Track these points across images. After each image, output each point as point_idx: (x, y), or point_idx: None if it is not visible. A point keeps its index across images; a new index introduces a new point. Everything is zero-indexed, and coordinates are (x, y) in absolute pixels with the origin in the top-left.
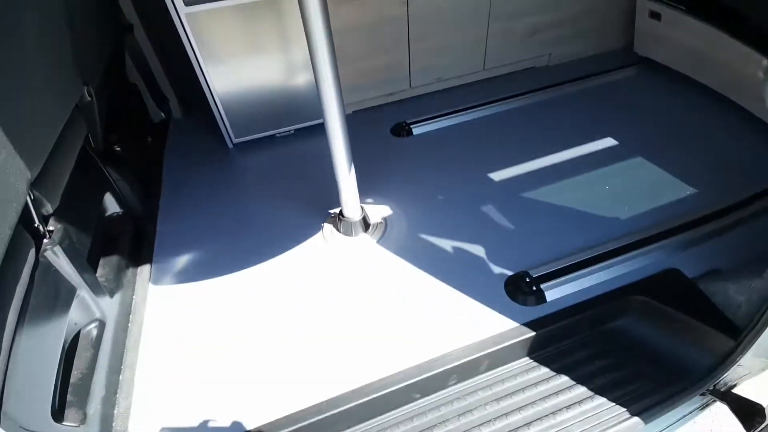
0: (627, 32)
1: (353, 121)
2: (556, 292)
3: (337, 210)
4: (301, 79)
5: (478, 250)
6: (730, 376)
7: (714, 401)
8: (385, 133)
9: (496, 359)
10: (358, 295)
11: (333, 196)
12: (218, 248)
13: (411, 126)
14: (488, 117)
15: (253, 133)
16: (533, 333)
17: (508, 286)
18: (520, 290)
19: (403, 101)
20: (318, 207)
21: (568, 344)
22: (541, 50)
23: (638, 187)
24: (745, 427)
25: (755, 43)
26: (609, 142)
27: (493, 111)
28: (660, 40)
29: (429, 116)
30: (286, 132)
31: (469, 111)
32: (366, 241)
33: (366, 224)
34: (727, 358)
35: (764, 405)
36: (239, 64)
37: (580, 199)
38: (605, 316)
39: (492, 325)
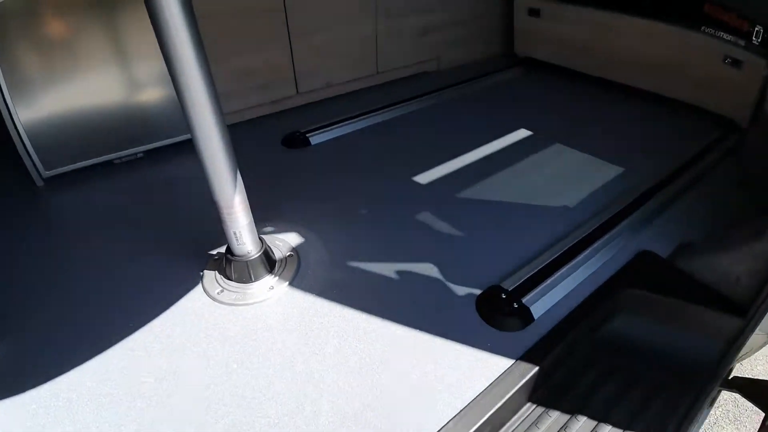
0: (508, 36)
1: (232, 135)
2: (540, 305)
3: (222, 249)
4: (151, 89)
5: (429, 269)
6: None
7: (719, 391)
8: (276, 145)
9: (494, 424)
10: (272, 373)
11: (212, 232)
12: (33, 329)
13: (307, 135)
14: (391, 121)
15: (78, 160)
16: (535, 368)
17: (481, 308)
18: (499, 311)
19: (292, 110)
20: (190, 249)
21: (571, 368)
22: (431, 53)
23: (569, 173)
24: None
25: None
26: (522, 133)
27: (394, 114)
28: (540, 37)
29: (326, 123)
30: (130, 156)
31: (369, 115)
32: (273, 285)
33: (269, 261)
34: (737, 340)
35: None
36: (54, 77)
37: (518, 193)
38: (598, 320)
39: (476, 374)
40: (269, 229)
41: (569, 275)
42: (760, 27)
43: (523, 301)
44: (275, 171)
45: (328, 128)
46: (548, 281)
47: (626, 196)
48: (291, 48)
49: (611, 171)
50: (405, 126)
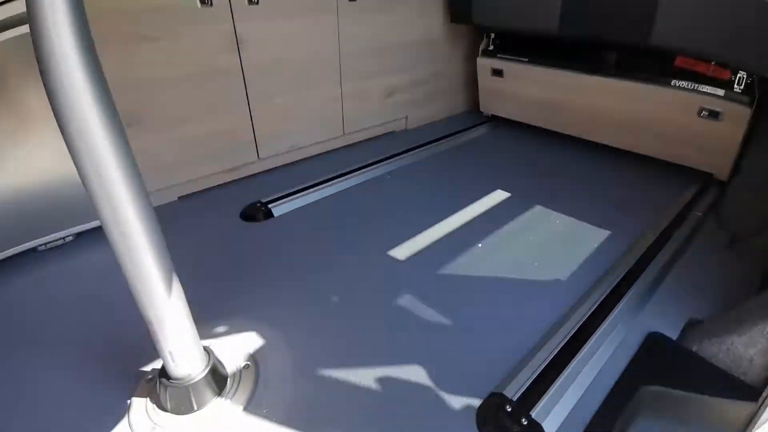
0: (474, 94)
1: (182, 210)
2: (553, 420)
3: (158, 363)
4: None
5: (415, 373)
6: None
7: None
8: (233, 218)
9: None
10: None
11: (148, 341)
12: None
13: (269, 205)
14: (360, 185)
15: None
16: None
17: (484, 426)
18: (508, 430)
19: (253, 177)
20: (119, 363)
21: None
22: (398, 113)
23: (555, 239)
24: None
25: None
26: (499, 195)
27: (364, 178)
28: (504, 96)
29: (291, 191)
30: (56, 241)
31: (336, 181)
32: (222, 413)
33: (218, 380)
34: (750, 425)
35: None
36: None
37: (505, 266)
38: (622, 426)
39: None
40: (221, 329)
41: (578, 373)
42: (743, 73)
43: (533, 415)
44: (231, 251)
45: (293, 197)
46: (556, 384)
47: (620, 266)
48: (250, 112)
49: (598, 235)
50: (375, 191)
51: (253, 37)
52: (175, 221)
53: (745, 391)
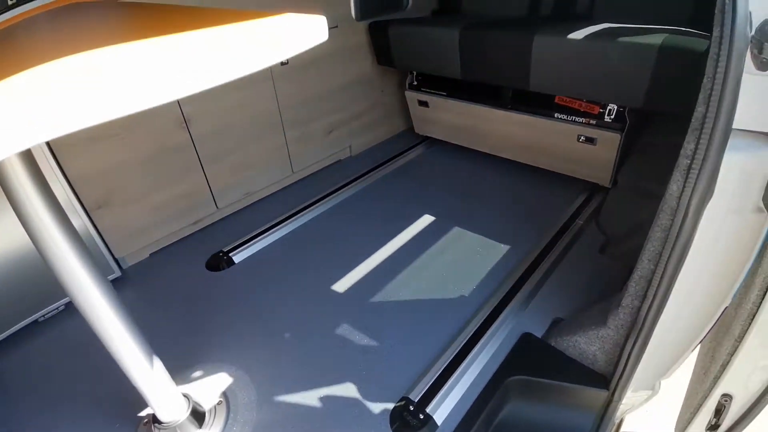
0: (409, 117)
1: (154, 266)
2: (442, 411)
3: (151, 410)
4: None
5: (349, 389)
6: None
7: None
8: (200, 269)
9: None
10: None
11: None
12: None
13: (230, 254)
14: (310, 223)
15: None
16: None
17: (394, 423)
18: (408, 425)
19: (215, 226)
20: (120, 412)
21: None
22: (342, 144)
23: (465, 258)
24: None
25: (506, 107)
26: (426, 220)
27: (313, 214)
28: (432, 121)
29: (248, 237)
30: (52, 311)
31: (289, 221)
32: None
33: (198, 417)
34: (606, 411)
35: None
36: None
37: (424, 288)
38: (491, 413)
39: None
40: (196, 374)
41: (465, 372)
42: (612, 106)
43: (428, 410)
44: (199, 300)
45: (250, 242)
46: (447, 384)
47: (512, 276)
48: (205, 174)
49: (499, 250)
50: (322, 227)
51: (199, 114)
52: (148, 277)
53: (596, 378)
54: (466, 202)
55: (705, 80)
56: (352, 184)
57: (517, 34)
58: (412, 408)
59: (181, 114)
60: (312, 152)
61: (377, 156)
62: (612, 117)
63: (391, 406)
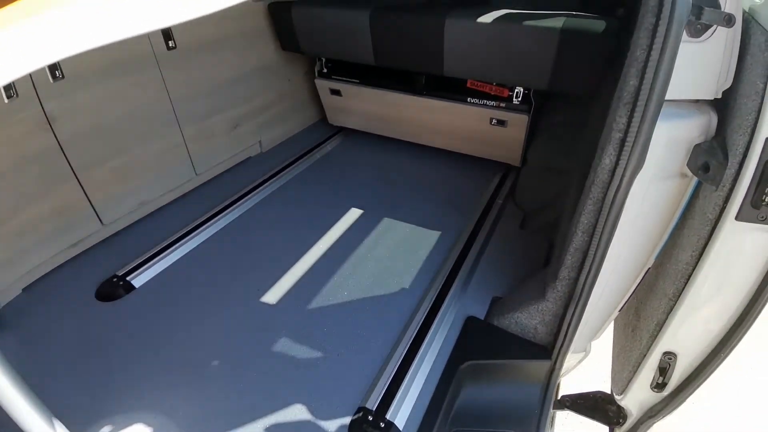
0: (320, 108)
1: (29, 304)
2: (402, 416)
3: None
4: None
5: (298, 411)
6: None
7: (555, 413)
8: (89, 301)
9: None
10: None
11: None
12: None
13: (127, 278)
14: (222, 231)
15: None
16: None
17: None
18: None
19: (102, 244)
20: None
21: None
22: (250, 140)
23: (399, 250)
24: (607, 422)
25: (420, 93)
26: (353, 214)
27: (225, 222)
28: (346, 111)
29: (149, 255)
30: None
31: (196, 231)
32: None
33: None
34: (550, 379)
35: (605, 391)
36: None
37: (361, 287)
38: (449, 405)
39: None
40: (106, 430)
41: (419, 368)
42: (519, 89)
43: (388, 417)
44: (94, 338)
45: (152, 261)
46: (403, 386)
47: (447, 262)
48: (80, 184)
49: (432, 236)
50: (238, 234)
51: (66, 111)
52: (26, 318)
53: (539, 349)
54: (389, 191)
55: (638, 52)
56: (267, 183)
57: (430, 18)
58: (371, 418)
59: (43, 112)
60: (216, 150)
61: (291, 151)
62: (519, 99)
63: (348, 420)
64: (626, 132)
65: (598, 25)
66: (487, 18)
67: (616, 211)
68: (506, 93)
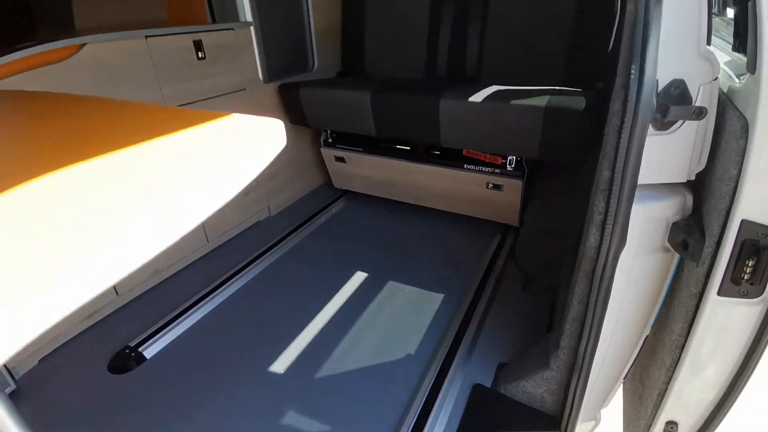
0: (325, 171)
1: (46, 375)
2: None
3: None
4: None
5: None
6: None
7: None
8: (101, 374)
9: None
10: None
11: None
12: None
13: (139, 348)
14: (233, 297)
15: None
16: None
17: None
18: None
19: (115, 315)
20: None
21: None
22: (259, 205)
23: (403, 314)
24: None
25: (420, 160)
26: (359, 278)
27: (235, 288)
28: (350, 176)
29: (161, 325)
30: None
31: (206, 300)
32: None
33: None
34: None
35: None
36: None
37: (367, 355)
38: None
39: None
40: None
41: None
42: (512, 157)
43: None
44: (108, 414)
45: (164, 330)
46: None
47: (451, 327)
48: None
49: (436, 300)
50: (248, 301)
51: None
52: (42, 388)
53: (548, 420)
54: (393, 254)
55: (608, 148)
56: (275, 248)
57: (425, 98)
58: None
59: None
60: (227, 218)
61: (298, 214)
62: (513, 166)
63: None
64: (605, 214)
65: (579, 102)
66: (478, 97)
67: (606, 285)
68: (500, 161)
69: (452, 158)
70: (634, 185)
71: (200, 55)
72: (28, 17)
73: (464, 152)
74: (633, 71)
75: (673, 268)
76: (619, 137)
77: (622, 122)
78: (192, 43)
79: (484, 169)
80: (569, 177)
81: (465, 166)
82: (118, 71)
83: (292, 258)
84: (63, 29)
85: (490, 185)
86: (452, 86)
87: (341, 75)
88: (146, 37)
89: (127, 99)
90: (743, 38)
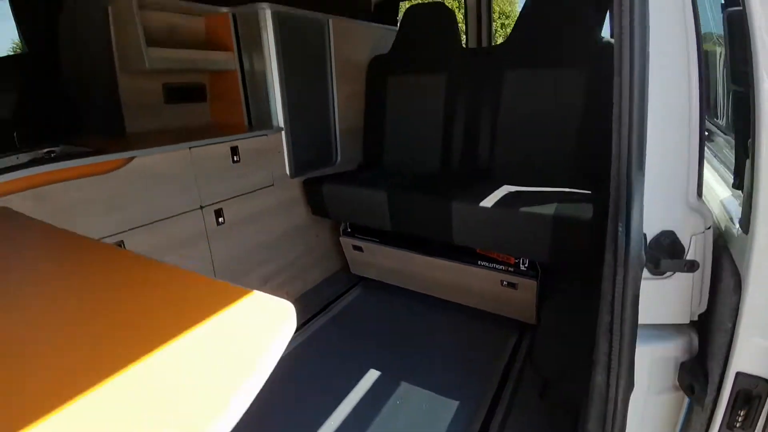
0: (343, 257)
1: None
2: None
3: None
4: None
5: None
6: None
7: None
8: None
9: None
10: None
11: None
12: None
13: None
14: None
15: None
16: None
17: None
18: None
19: None
20: None
21: None
22: (278, 292)
23: (420, 421)
24: None
25: (435, 254)
26: (372, 376)
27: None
28: (367, 264)
29: None
30: None
31: None
32: None
33: None
34: None
35: None
36: None
37: None
38: None
39: None
40: None
41: None
42: (524, 258)
43: None
44: None
45: None
46: None
47: None
48: None
49: (450, 407)
50: (260, 403)
51: None
52: None
53: None
54: (407, 350)
55: (604, 291)
56: (291, 340)
57: (438, 201)
58: None
59: None
60: None
61: (315, 301)
62: (526, 266)
63: None
64: (610, 355)
65: (586, 210)
66: (488, 202)
67: (620, 425)
68: (513, 260)
69: (466, 254)
70: (634, 327)
71: (235, 159)
72: (80, 119)
73: (478, 250)
74: (620, 228)
75: (685, 405)
76: (614, 286)
77: (615, 273)
78: (229, 149)
79: (497, 266)
80: (583, 281)
81: (479, 262)
82: (161, 178)
83: (306, 350)
84: (114, 137)
85: (505, 283)
86: (465, 185)
87: (362, 167)
88: (190, 148)
89: (167, 201)
90: (742, 178)
